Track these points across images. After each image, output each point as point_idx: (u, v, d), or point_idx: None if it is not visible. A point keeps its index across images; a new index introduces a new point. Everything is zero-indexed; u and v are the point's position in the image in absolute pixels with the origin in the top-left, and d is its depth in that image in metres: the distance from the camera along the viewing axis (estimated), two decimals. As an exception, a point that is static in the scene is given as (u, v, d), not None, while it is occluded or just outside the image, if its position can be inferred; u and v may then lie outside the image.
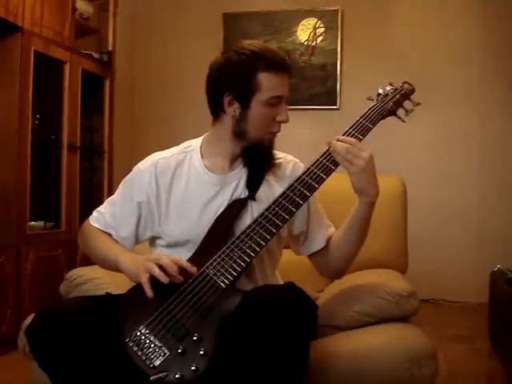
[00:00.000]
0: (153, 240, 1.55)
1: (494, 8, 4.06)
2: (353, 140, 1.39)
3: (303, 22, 4.33)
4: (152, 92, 4.57)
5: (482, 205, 4.11)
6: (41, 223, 3.14)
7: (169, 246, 1.51)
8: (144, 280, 1.29)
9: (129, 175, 1.55)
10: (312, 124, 4.26)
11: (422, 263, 3.48)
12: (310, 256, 1.59)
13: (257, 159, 1.47)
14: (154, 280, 1.29)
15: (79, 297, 1.55)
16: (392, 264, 1.86)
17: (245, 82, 1.40)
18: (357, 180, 1.37)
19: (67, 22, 3.25)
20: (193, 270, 1.32)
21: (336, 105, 4.27)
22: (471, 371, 2.60)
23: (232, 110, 1.43)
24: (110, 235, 1.53)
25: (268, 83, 1.40)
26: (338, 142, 1.38)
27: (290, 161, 1.57)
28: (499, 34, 4.05)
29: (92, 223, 1.55)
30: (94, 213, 1.57)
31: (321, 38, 4.31)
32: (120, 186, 1.57)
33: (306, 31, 4.33)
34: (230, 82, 1.41)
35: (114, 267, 1.44)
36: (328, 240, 1.56)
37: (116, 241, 1.51)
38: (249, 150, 1.46)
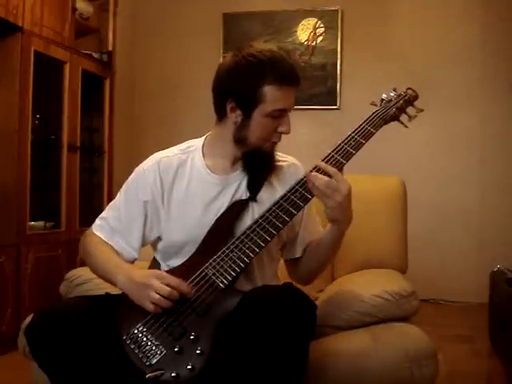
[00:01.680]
0: (156, 241, 1.54)
1: (495, 8, 4.07)
2: (333, 170, 1.33)
3: (303, 21, 4.34)
4: (152, 92, 4.57)
5: (482, 205, 4.11)
6: (41, 223, 3.14)
7: (171, 245, 1.50)
8: (155, 311, 1.29)
9: (130, 177, 1.53)
10: (312, 124, 4.26)
11: (422, 263, 3.49)
12: (287, 260, 1.59)
13: (256, 165, 1.47)
14: None
15: (78, 297, 1.55)
16: (392, 264, 1.86)
17: (249, 92, 1.38)
18: (331, 213, 1.35)
19: (67, 22, 3.25)
20: (189, 294, 1.31)
21: (336, 105, 4.27)
22: (471, 371, 2.60)
23: (234, 116, 1.42)
24: (111, 246, 1.49)
25: (272, 96, 1.37)
26: (318, 175, 1.32)
27: (292, 163, 1.57)
28: (499, 33, 4.06)
29: (95, 231, 1.52)
30: (97, 220, 1.54)
31: (321, 38, 4.31)
32: (122, 190, 1.54)
33: (305, 31, 4.33)
34: (235, 89, 1.40)
35: (110, 282, 1.43)
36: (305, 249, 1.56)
37: (116, 253, 1.48)
38: (249, 156, 1.45)
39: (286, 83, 1.38)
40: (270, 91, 1.37)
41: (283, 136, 1.47)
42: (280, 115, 1.40)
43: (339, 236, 1.43)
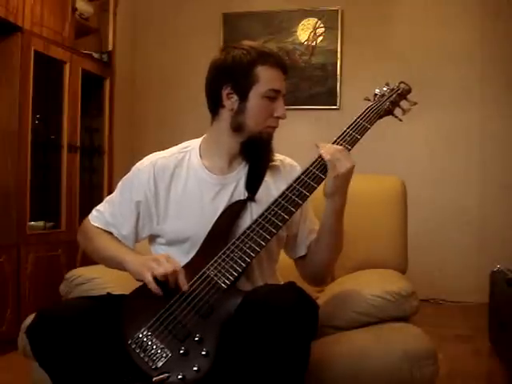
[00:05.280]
0: (152, 238, 1.56)
1: (494, 8, 4.07)
2: (340, 147, 1.40)
3: (303, 21, 4.34)
4: (152, 92, 4.57)
5: (481, 205, 4.11)
6: (41, 223, 3.14)
7: (168, 244, 1.51)
8: (149, 279, 1.31)
9: (127, 175, 1.56)
10: (312, 124, 4.26)
11: (421, 263, 3.49)
12: (294, 260, 1.60)
13: (256, 154, 1.48)
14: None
15: (80, 297, 1.56)
16: (392, 264, 1.86)
17: (243, 74, 1.42)
18: (332, 184, 1.37)
19: (67, 22, 3.25)
20: (184, 287, 1.32)
21: (336, 105, 4.27)
22: (471, 371, 2.61)
23: (230, 103, 1.45)
24: (111, 233, 1.53)
25: (266, 76, 1.43)
26: (328, 144, 1.40)
27: (288, 163, 1.59)
28: (499, 33, 4.06)
29: (93, 222, 1.55)
30: (94, 212, 1.57)
31: (321, 38, 4.31)
32: (118, 186, 1.57)
33: (306, 31, 4.33)
34: (229, 75, 1.44)
35: (118, 267, 1.45)
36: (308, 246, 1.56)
37: (118, 239, 1.52)
38: (248, 145, 1.46)
39: (276, 65, 1.45)
40: (262, 71, 1.43)
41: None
42: (275, 97, 1.44)
43: (335, 218, 1.43)
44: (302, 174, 1.39)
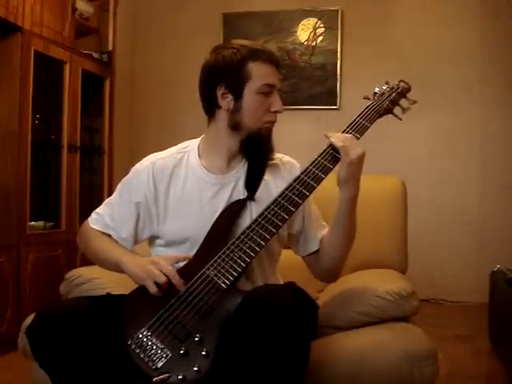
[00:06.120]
0: (152, 239, 1.56)
1: (494, 8, 4.07)
2: (349, 135, 1.42)
3: (303, 21, 4.34)
4: (152, 92, 4.57)
5: (481, 205, 4.11)
6: (41, 223, 3.14)
7: (167, 245, 1.51)
8: (154, 290, 1.32)
9: (126, 176, 1.56)
10: (312, 124, 4.27)
11: (422, 263, 3.49)
12: (305, 257, 1.60)
13: (256, 150, 1.48)
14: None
15: (80, 297, 1.56)
16: (392, 264, 1.86)
17: (236, 73, 1.42)
18: (346, 171, 1.38)
19: (67, 22, 3.25)
20: (181, 288, 1.33)
21: (336, 105, 4.28)
22: (471, 371, 2.60)
23: (226, 102, 1.45)
24: (109, 236, 1.53)
25: (258, 71, 1.43)
26: (337, 133, 1.42)
27: (287, 161, 1.58)
28: (499, 33, 4.06)
29: (92, 225, 1.55)
30: (93, 215, 1.57)
31: (321, 38, 4.32)
32: (118, 188, 1.57)
33: (306, 31, 4.34)
34: (222, 75, 1.44)
35: (116, 268, 1.45)
36: (320, 241, 1.56)
37: (116, 241, 1.52)
38: (247, 142, 1.46)
39: (267, 60, 1.44)
40: (254, 67, 1.43)
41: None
42: (270, 92, 1.44)
43: (350, 206, 1.43)
44: (302, 173, 1.39)
